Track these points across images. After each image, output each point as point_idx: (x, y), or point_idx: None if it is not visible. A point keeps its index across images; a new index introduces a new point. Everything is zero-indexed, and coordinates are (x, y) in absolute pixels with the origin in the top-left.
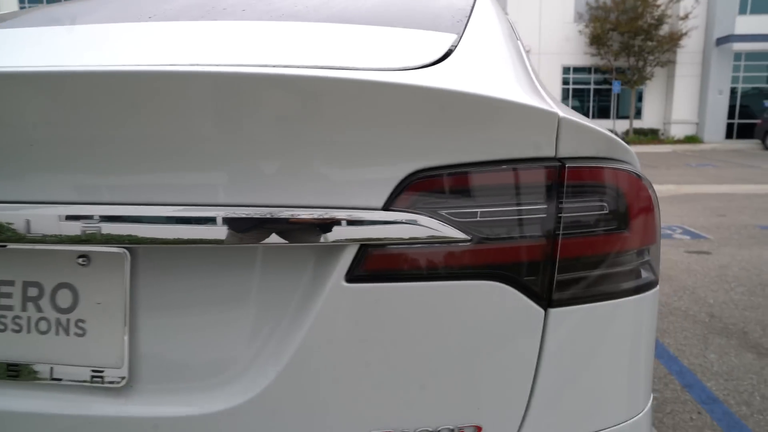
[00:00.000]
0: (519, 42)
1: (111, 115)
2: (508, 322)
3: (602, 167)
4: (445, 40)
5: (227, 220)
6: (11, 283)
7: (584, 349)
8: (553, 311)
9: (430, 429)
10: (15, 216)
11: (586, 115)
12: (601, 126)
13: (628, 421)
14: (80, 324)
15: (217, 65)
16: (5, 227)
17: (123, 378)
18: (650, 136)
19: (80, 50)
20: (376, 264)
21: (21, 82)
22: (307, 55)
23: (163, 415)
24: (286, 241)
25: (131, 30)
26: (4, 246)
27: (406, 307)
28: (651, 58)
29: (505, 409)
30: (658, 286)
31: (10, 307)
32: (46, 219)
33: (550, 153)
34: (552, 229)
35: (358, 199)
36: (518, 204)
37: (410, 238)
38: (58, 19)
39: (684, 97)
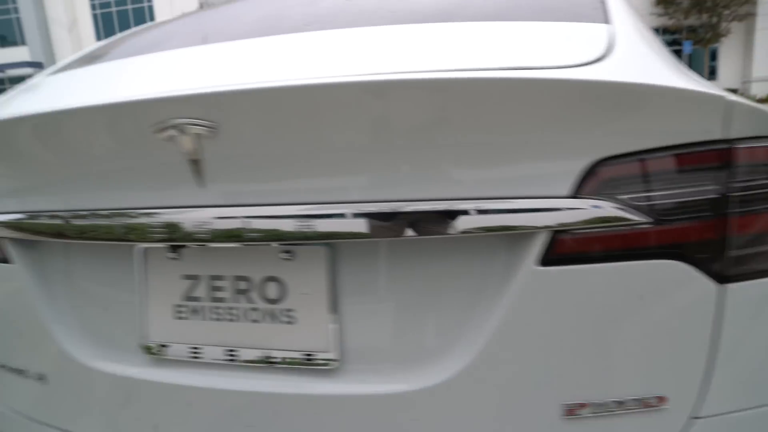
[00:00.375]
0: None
1: (313, 128)
2: (687, 298)
3: (757, 145)
4: (598, 32)
5: (420, 214)
6: (222, 278)
7: (762, 321)
8: (730, 286)
9: (619, 399)
10: (233, 221)
11: None
12: None
13: None
14: (289, 313)
15: (407, 72)
16: (222, 231)
17: (333, 360)
18: None
19: (268, 64)
20: (565, 248)
21: (248, 99)
22: (476, 56)
23: (370, 392)
24: (483, 231)
25: (289, 42)
26: (203, 245)
27: (594, 287)
28: (726, 12)
29: (687, 380)
30: None
31: (223, 299)
32: (258, 220)
33: (719, 135)
34: (726, 207)
35: (549, 189)
36: (693, 186)
37: (596, 223)
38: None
39: (767, 52)
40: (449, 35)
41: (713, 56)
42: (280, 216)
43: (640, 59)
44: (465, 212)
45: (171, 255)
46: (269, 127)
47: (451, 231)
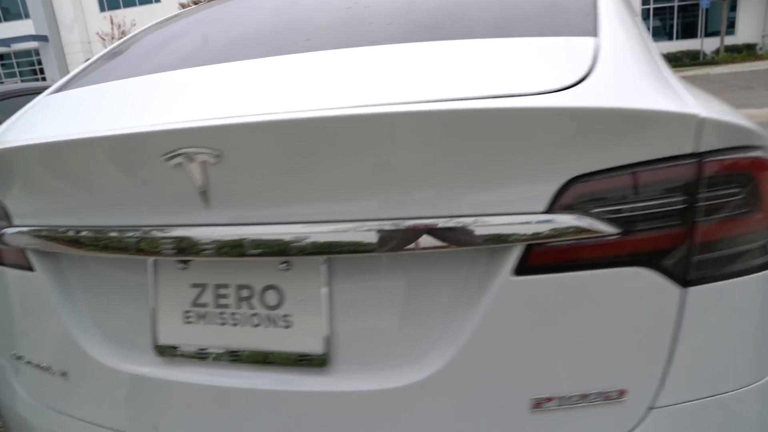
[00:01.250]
0: (636, 17)
1: (307, 156)
2: (651, 301)
3: (737, 157)
4: (582, 49)
5: (404, 231)
6: (226, 286)
7: (716, 321)
8: (691, 289)
9: (584, 393)
10: (239, 235)
11: (669, 35)
12: (734, 113)
13: (754, 384)
14: (286, 318)
15: (390, 103)
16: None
17: (324, 360)
18: (745, 52)
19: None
20: (538, 259)
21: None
22: (456, 82)
23: (356, 389)
24: (465, 245)
25: (289, 64)
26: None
27: (564, 294)
28: None
29: (647, 374)
30: None
31: (227, 306)
32: (257, 237)
33: (690, 149)
34: (692, 217)
35: (525, 206)
36: (661, 197)
37: (569, 236)
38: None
39: None
40: (431, 57)
41: (733, 7)
42: (275, 234)
43: (620, 77)
44: (448, 229)
45: (180, 266)
46: (266, 155)
47: (433, 246)
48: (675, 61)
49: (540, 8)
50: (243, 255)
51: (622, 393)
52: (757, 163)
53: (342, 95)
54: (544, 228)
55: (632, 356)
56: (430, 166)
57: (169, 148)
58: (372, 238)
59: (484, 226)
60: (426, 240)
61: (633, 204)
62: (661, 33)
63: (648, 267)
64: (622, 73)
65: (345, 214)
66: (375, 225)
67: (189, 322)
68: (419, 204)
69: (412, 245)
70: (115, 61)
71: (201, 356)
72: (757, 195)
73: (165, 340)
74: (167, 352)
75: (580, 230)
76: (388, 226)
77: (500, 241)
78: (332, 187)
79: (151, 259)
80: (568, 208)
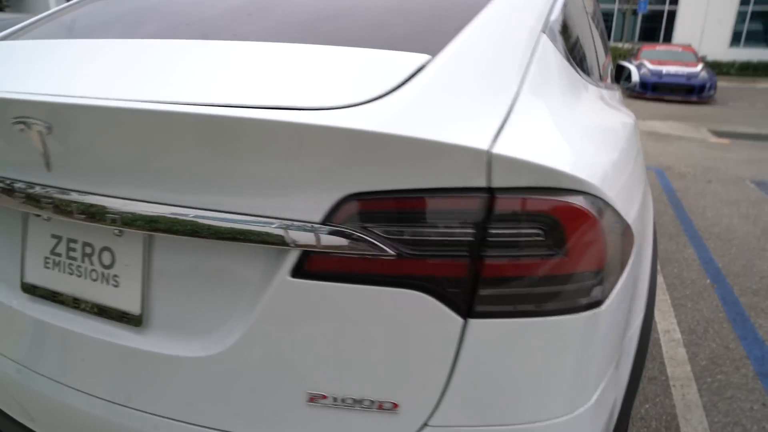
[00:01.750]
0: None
1: (116, 140)
2: (430, 326)
3: (534, 198)
4: (401, 67)
5: (192, 220)
6: (75, 241)
7: (497, 356)
8: (472, 321)
9: (356, 398)
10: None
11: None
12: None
13: (543, 422)
14: (116, 278)
15: (181, 102)
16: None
17: (140, 321)
18: None
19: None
20: (312, 266)
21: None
22: (253, 88)
23: (160, 351)
24: (248, 240)
25: (143, 49)
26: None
27: (339, 302)
28: None
29: (421, 394)
30: (601, 307)
31: (75, 258)
32: (84, 204)
33: (481, 183)
34: (476, 251)
35: (302, 215)
36: (446, 227)
37: (340, 249)
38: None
39: None
40: (250, 58)
41: None
42: (99, 206)
43: (425, 101)
44: (234, 223)
45: (44, 217)
46: (82, 134)
47: (218, 236)
48: None
49: (406, 19)
50: (73, 217)
51: (395, 406)
52: (564, 207)
53: (148, 87)
54: (313, 238)
55: (408, 374)
56: (214, 166)
57: (15, 114)
58: (168, 222)
59: (258, 227)
60: (213, 232)
61: (414, 228)
62: (760, 37)
63: (427, 292)
64: (431, 96)
65: (152, 196)
66: (168, 210)
67: (47, 267)
68: (212, 197)
69: (203, 233)
70: (45, 22)
71: (54, 299)
72: (560, 240)
73: (29, 279)
74: (30, 290)
75: (352, 246)
76: (182, 213)
77: (271, 242)
78: (140, 169)
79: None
80: (345, 222)
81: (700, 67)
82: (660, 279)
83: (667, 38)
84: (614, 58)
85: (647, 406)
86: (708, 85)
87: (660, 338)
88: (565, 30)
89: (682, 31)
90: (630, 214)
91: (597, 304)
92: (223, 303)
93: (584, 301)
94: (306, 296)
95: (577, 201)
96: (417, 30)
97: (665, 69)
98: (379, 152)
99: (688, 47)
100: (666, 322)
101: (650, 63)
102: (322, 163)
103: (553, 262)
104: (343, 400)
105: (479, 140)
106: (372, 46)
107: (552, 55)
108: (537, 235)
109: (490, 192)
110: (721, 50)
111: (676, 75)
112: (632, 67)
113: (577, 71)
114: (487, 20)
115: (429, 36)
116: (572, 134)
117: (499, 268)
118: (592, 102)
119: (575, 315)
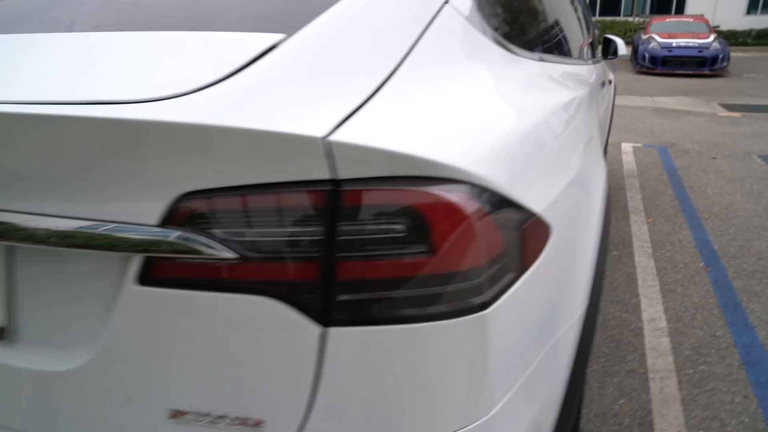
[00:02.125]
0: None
1: None
2: (288, 336)
3: (389, 189)
4: (252, 48)
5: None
6: None
7: (365, 367)
8: (332, 330)
9: (219, 414)
10: None
11: None
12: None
13: None
14: None
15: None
16: None
17: (6, 334)
18: None
19: None
20: (157, 272)
21: None
22: (83, 83)
23: (22, 365)
24: (81, 247)
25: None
26: None
27: (190, 311)
28: None
29: (285, 410)
30: (486, 311)
31: None
32: None
33: (324, 176)
34: (327, 252)
35: (139, 217)
36: (291, 226)
37: (181, 253)
38: None
39: None
40: (99, 50)
41: None
42: None
43: (264, 86)
44: (71, 228)
45: None
46: None
47: (60, 244)
48: None
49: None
50: None
51: (258, 423)
52: (426, 198)
53: None
54: (148, 242)
55: (270, 388)
56: (47, 169)
57: None
58: (10, 229)
59: (92, 231)
60: (55, 239)
61: (258, 229)
62: None
63: (278, 299)
64: (274, 80)
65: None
66: (8, 217)
67: None
68: (52, 202)
69: (46, 241)
70: None
71: None
72: (425, 236)
73: None
74: None
75: (190, 249)
76: (20, 221)
77: (108, 248)
78: None
79: None
80: (183, 224)
81: (712, 37)
82: (651, 263)
83: (680, 10)
84: (624, 33)
85: (622, 401)
86: (721, 57)
87: (644, 328)
88: (494, 1)
89: (695, 1)
90: (540, 203)
91: (481, 307)
92: (84, 314)
93: (462, 304)
94: (155, 305)
95: (444, 191)
96: (284, 8)
97: (675, 42)
98: (206, 146)
99: (700, 17)
100: (652, 309)
101: (660, 36)
102: (150, 160)
103: (417, 261)
104: (205, 416)
105: (316, 127)
106: (230, 29)
107: (457, 28)
108: (396, 231)
109: (337, 185)
110: (737, 19)
111: (686, 47)
112: (619, 41)
113: (504, 46)
114: None
115: (295, 13)
116: (456, 116)
117: (355, 269)
118: (517, 79)
119: (452, 320)
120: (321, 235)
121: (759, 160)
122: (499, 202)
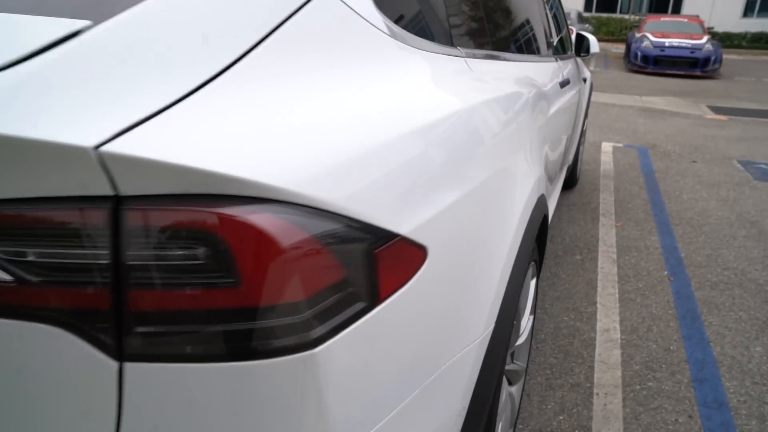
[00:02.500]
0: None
1: None
2: (78, 368)
3: (180, 209)
4: (38, 38)
5: None
6: None
7: (173, 409)
8: (128, 365)
9: None
10: None
11: None
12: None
13: None
14: None
15: None
16: None
17: None
18: None
19: None
20: None
21: None
22: None
23: None
24: None
25: None
26: None
27: None
28: None
29: None
30: (314, 350)
31: None
32: None
33: (104, 191)
34: (113, 277)
35: None
36: (73, 247)
37: None
38: None
39: None
40: None
41: None
42: None
43: (38, 85)
44: None
45: None
46: None
47: None
48: None
49: None
50: None
51: None
52: (228, 221)
53: None
54: None
55: (75, 430)
56: None
57: None
58: None
59: None
60: None
61: (36, 249)
62: None
63: (67, 328)
64: (54, 78)
65: None
66: None
67: None
68: None
69: None
70: None
71: None
72: (228, 264)
73: None
74: None
75: None
76: None
77: None
78: None
79: None
80: None
81: (705, 39)
82: (614, 270)
83: (677, 9)
84: (620, 30)
85: (561, 417)
86: (713, 58)
87: (596, 338)
88: None
89: (692, 1)
90: (408, 224)
91: (309, 345)
92: None
93: (283, 342)
94: None
95: (248, 212)
96: None
97: (668, 41)
98: None
99: (695, 18)
100: (608, 319)
101: (653, 35)
102: None
103: (220, 292)
104: None
105: (89, 136)
106: (22, 11)
107: (337, 16)
108: (193, 258)
109: (119, 202)
110: (733, 21)
111: (679, 47)
112: (591, 38)
113: (405, 40)
114: None
115: None
116: (298, 121)
117: (148, 299)
118: (412, 79)
119: (269, 360)
120: (107, 259)
121: (739, 165)
122: (335, 224)
